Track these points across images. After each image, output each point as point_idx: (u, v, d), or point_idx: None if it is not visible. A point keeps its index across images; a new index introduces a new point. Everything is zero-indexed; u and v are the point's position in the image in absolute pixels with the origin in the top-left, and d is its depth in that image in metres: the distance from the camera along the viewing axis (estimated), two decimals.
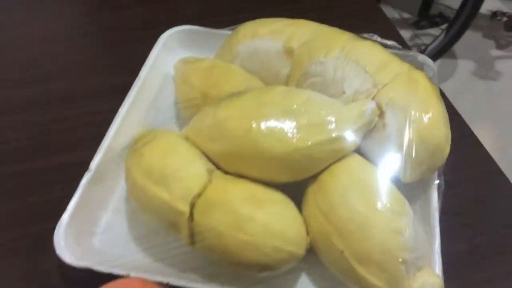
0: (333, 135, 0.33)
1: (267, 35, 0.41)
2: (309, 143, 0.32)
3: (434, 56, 1.38)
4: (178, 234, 0.33)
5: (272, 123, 0.32)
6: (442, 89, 0.40)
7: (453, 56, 1.52)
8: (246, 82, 0.40)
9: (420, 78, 0.37)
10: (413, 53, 0.45)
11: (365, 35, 0.43)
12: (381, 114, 0.35)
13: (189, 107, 0.40)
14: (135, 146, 0.36)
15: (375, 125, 0.35)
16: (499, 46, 1.58)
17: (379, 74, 0.36)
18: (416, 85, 0.36)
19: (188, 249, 0.33)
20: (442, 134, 0.35)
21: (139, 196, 0.34)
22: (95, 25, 0.57)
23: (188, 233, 0.33)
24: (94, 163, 0.38)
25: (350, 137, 0.33)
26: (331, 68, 0.37)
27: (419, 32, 1.62)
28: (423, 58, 0.44)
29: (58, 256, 0.33)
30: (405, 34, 1.62)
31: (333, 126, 0.33)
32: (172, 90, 0.45)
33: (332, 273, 0.33)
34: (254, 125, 0.32)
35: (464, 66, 1.50)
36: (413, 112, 0.34)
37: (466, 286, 0.35)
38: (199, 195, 0.32)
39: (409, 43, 1.58)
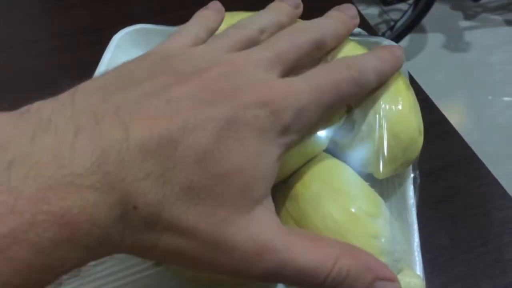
0: None
1: None
2: None
3: (404, 32, 1.37)
4: None
5: None
6: (413, 64, 0.39)
7: (423, 30, 1.51)
8: None
9: None
10: (380, 38, 0.43)
11: None
12: (350, 110, 0.33)
13: None
14: None
15: (344, 122, 0.33)
16: (467, 17, 1.58)
17: None
18: None
19: (155, 271, 0.31)
20: (414, 126, 0.33)
21: None
22: (37, 31, 0.53)
23: None
24: None
25: (319, 137, 0.32)
26: None
27: (387, 8, 1.61)
28: (389, 44, 0.42)
29: None
30: (373, 11, 1.60)
31: None
32: None
33: None
34: None
35: (434, 40, 1.50)
36: (382, 106, 0.32)
37: (448, 281, 0.34)
38: None
39: (378, 20, 1.57)
